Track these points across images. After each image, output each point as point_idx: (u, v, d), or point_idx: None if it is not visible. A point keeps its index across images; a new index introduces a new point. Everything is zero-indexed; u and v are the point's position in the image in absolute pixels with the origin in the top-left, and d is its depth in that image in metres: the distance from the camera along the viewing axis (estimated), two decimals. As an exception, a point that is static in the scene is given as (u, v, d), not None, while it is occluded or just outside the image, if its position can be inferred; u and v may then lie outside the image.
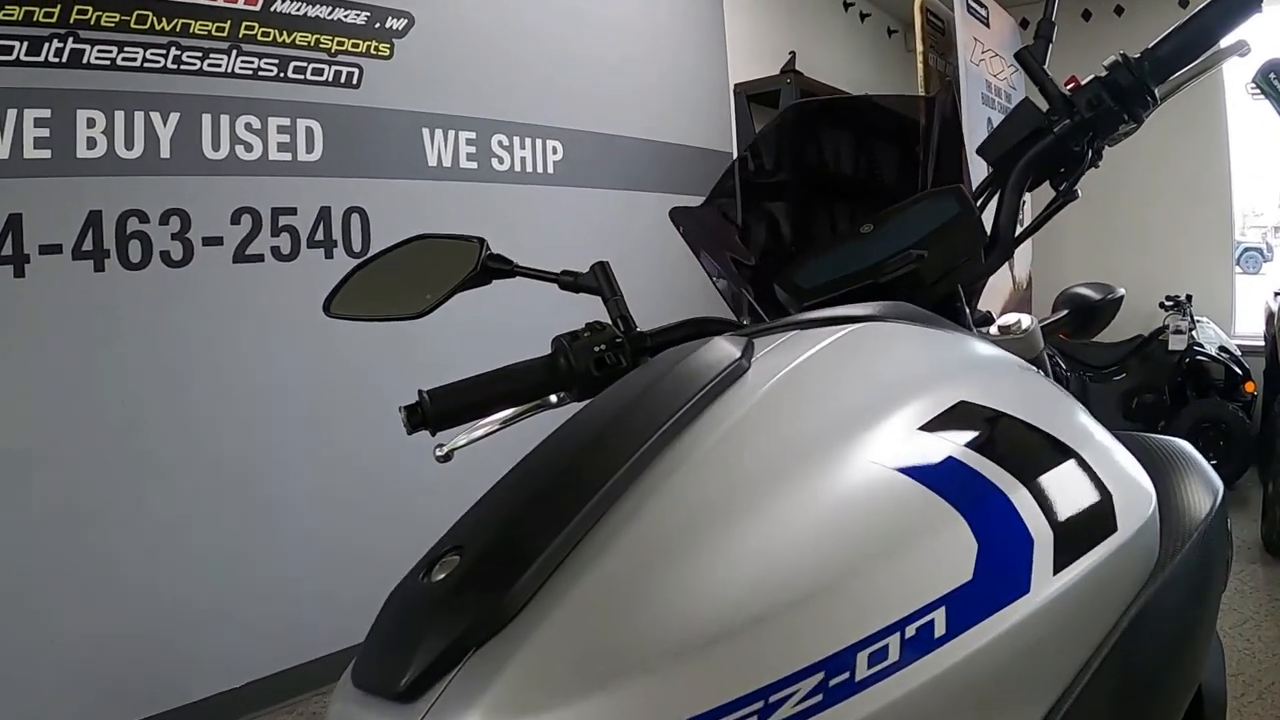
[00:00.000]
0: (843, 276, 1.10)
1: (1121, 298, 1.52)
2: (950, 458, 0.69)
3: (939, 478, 0.66)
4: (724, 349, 0.79)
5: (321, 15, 3.22)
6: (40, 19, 2.78)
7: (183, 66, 3.00)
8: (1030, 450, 0.75)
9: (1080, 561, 0.67)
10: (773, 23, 5.32)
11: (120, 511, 2.85)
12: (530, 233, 3.59)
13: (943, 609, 0.58)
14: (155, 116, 2.95)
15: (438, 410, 1.09)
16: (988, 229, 1.13)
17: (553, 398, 1.15)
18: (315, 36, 3.22)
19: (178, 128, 2.98)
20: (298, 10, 3.18)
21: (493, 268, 1.19)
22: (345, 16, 3.27)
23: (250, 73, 3.12)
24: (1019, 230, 1.22)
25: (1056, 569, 0.65)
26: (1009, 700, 0.63)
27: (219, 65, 3.06)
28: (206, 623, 3.00)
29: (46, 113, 2.78)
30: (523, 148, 3.80)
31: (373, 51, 3.35)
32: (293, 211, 3.19)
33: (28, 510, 2.68)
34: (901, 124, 1.42)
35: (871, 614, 0.57)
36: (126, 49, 2.91)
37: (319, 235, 3.25)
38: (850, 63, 6.13)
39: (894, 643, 0.56)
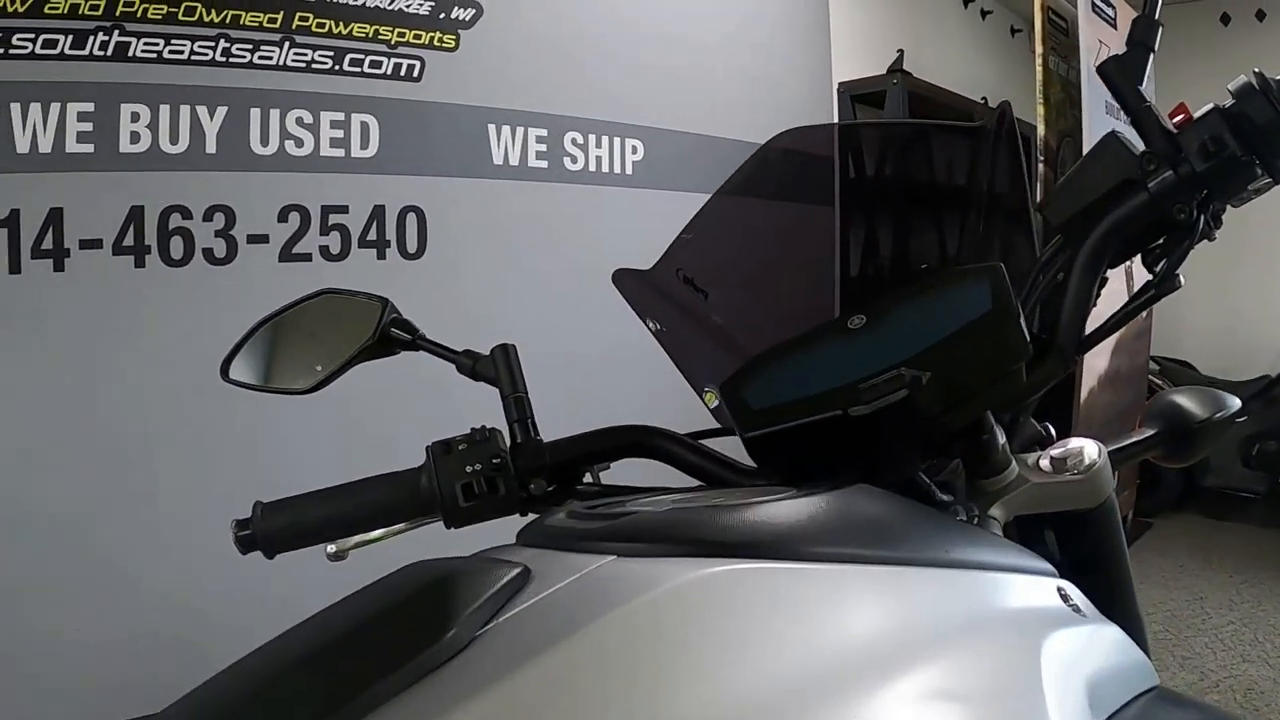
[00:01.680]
0: (806, 398, 0.86)
1: (1234, 415, 1.21)
2: None
3: None
4: (470, 589, 0.58)
5: (381, 5, 3.10)
6: (85, 12, 2.76)
7: (232, 59, 2.93)
8: None
9: None
10: (883, 18, 4.97)
11: (140, 511, 2.74)
12: (604, 238, 3.36)
13: None
14: (202, 110, 2.89)
15: (264, 531, 0.95)
16: (1023, 321, 0.83)
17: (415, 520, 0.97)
18: (374, 27, 3.10)
19: (225, 122, 2.92)
20: (356, 0, 3.04)
21: (393, 337, 1.07)
22: (407, 6, 3.13)
23: (303, 65, 3.02)
24: (1091, 327, 0.91)
25: None
26: None
27: (270, 58, 2.98)
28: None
29: (90, 107, 2.77)
30: (598, 146, 3.57)
31: (436, 43, 3.20)
32: (344, 210, 3.09)
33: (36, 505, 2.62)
34: (937, 162, 1.16)
35: None
36: (174, 42, 2.86)
37: (371, 235, 3.13)
38: (966, 64, 5.68)
39: None
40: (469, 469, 0.94)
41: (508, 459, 0.96)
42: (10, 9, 2.71)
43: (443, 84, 3.22)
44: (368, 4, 3.09)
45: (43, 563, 2.61)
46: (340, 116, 3.07)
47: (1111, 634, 0.79)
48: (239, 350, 1.09)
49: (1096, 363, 4.54)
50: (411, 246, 3.19)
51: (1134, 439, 1.12)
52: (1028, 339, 0.83)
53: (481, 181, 3.30)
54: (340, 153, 3.07)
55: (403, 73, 3.16)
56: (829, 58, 4.32)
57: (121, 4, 2.79)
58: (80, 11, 2.75)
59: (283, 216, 2.99)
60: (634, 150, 3.65)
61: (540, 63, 3.40)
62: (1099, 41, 4.41)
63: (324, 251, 3.05)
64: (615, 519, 0.71)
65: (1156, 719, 0.68)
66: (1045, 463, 0.93)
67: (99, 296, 2.73)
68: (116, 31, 2.80)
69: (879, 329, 0.88)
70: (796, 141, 1.23)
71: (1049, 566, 0.82)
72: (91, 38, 2.77)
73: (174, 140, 2.85)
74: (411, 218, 3.19)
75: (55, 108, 2.72)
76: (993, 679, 0.59)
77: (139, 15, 2.82)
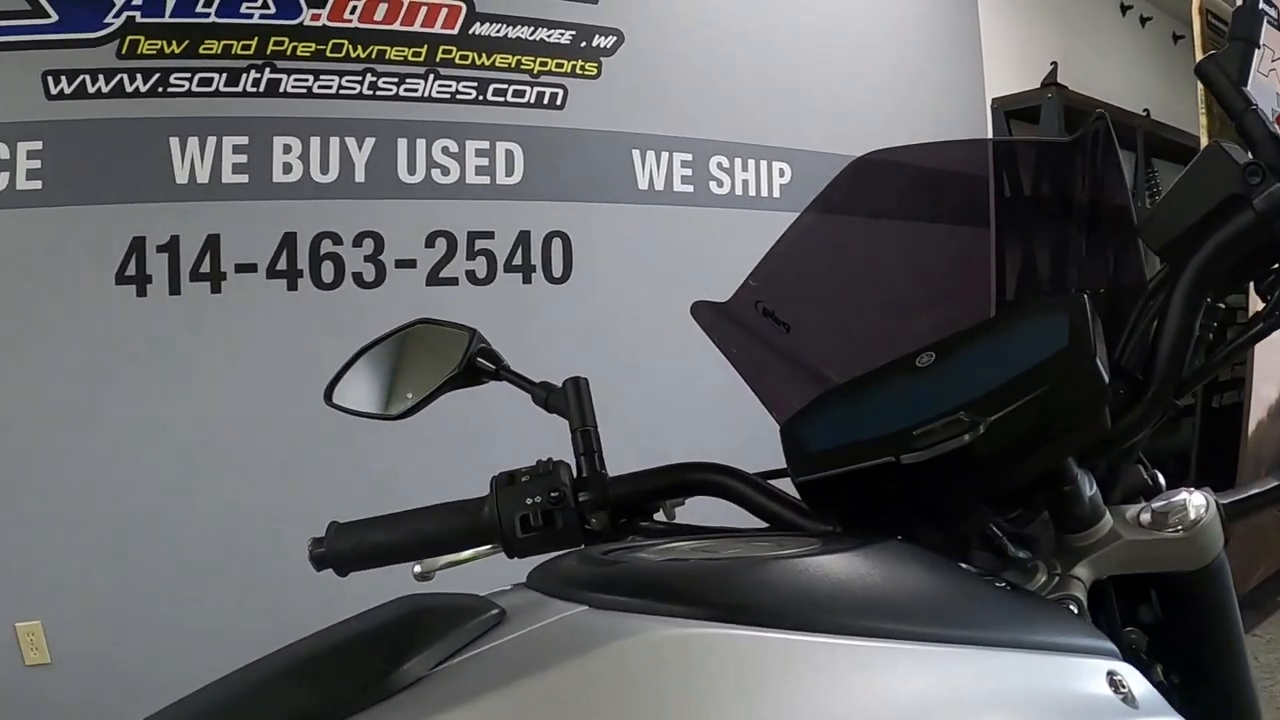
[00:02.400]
0: (859, 443, 0.79)
1: None
2: None
3: None
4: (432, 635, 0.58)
5: (523, 36, 3.12)
6: (238, 51, 2.90)
7: (378, 92, 3.00)
8: None
9: None
10: (1036, 29, 4.79)
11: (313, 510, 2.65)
12: (752, 262, 3.19)
13: None
14: (350, 141, 2.95)
15: (338, 551, 0.95)
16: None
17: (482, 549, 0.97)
18: (516, 58, 3.12)
19: (373, 152, 2.99)
20: (498, 32, 3.09)
21: (479, 366, 1.06)
22: (549, 36, 3.15)
23: (448, 96, 3.07)
24: (1194, 363, 0.80)
25: None
26: None
27: (415, 90, 3.03)
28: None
29: (244, 140, 2.88)
30: (745, 170, 3.49)
31: (578, 71, 3.20)
32: (490, 235, 3.11)
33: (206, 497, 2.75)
34: (1031, 181, 1.07)
35: None
36: (322, 77, 2.96)
37: (517, 260, 3.14)
38: (1125, 74, 5.41)
39: None
40: (529, 501, 0.93)
41: (567, 493, 0.93)
42: (168, 50, 2.83)
43: (586, 111, 3.22)
44: (509, 35, 3.11)
45: (231, 561, 2.68)
46: (485, 145, 3.09)
47: None
48: (341, 377, 1.09)
49: (1267, 391, 4.10)
50: (557, 271, 3.17)
51: (1256, 489, 0.95)
52: (1106, 380, 0.72)
53: (627, 207, 3.27)
54: (486, 180, 3.09)
55: (546, 101, 3.17)
56: (981, 73, 4.19)
57: (272, 43, 2.91)
58: (233, 51, 2.89)
59: (430, 242, 3.02)
60: (781, 173, 3.55)
61: (684, 87, 3.37)
62: (1263, 45, 4.14)
63: (470, 276, 3.05)
64: (608, 566, 0.67)
65: None
66: (1145, 516, 0.81)
67: (254, 317, 2.82)
68: (268, 69, 2.91)
69: (945, 368, 0.81)
70: (880, 165, 1.15)
71: (1106, 645, 0.70)
72: (244, 75, 2.89)
73: (324, 170, 2.93)
74: (557, 243, 3.16)
75: (212, 141, 2.85)
76: None
77: (289, 53, 2.93)
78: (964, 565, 0.74)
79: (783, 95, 3.56)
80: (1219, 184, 0.77)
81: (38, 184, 2.70)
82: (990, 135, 4.27)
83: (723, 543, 0.79)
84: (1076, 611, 0.75)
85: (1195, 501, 0.80)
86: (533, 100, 3.15)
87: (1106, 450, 0.83)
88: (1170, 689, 0.82)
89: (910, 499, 0.78)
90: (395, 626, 0.63)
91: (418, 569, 0.98)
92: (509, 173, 3.10)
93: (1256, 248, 0.78)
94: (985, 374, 0.77)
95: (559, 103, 3.18)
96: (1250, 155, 0.78)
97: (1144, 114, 5.25)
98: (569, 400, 1.02)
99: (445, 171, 3.03)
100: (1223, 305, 0.83)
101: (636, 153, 3.28)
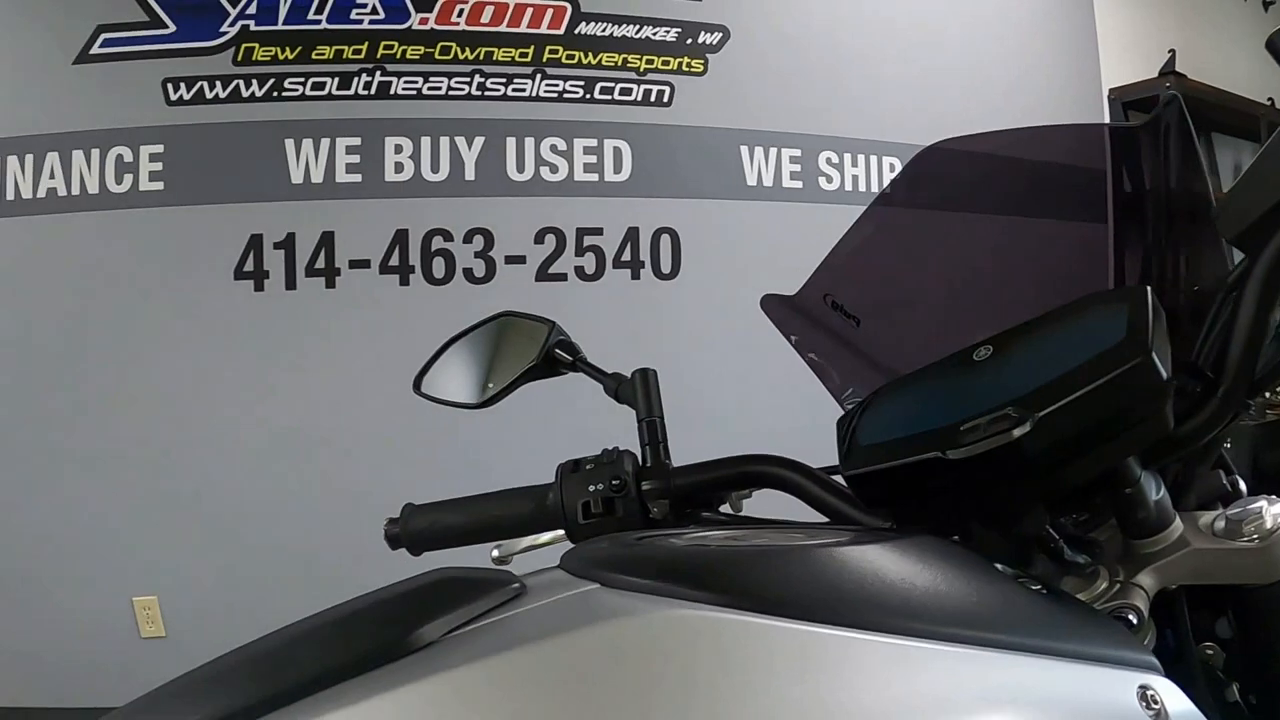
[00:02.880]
0: (908, 437, 0.77)
1: None
2: None
3: None
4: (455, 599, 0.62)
5: (629, 34, 3.11)
6: (350, 56, 2.96)
7: (487, 92, 3.02)
8: None
9: None
10: (1153, 17, 4.64)
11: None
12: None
13: None
14: (460, 141, 2.97)
15: (410, 531, 0.98)
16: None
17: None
18: (623, 56, 3.11)
19: (482, 151, 3.01)
20: (604, 31, 3.08)
21: (556, 358, 1.09)
22: (655, 34, 3.13)
23: (555, 95, 3.06)
24: (1272, 361, 0.76)
25: None
26: None
27: (523, 90, 3.04)
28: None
29: (357, 141, 2.92)
30: (855, 165, 3.42)
31: (685, 68, 3.17)
32: (598, 232, 3.08)
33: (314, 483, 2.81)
34: (1101, 169, 1.02)
35: None
36: (432, 79, 2.99)
37: (625, 256, 3.11)
38: (1248, 62, 5.18)
39: None
40: (591, 488, 0.94)
41: (629, 481, 0.94)
42: (282, 57, 2.89)
43: (693, 108, 3.18)
44: (615, 34, 3.10)
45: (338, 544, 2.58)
46: (593, 143, 3.07)
47: None
48: (429, 368, 1.13)
49: None
50: (665, 267, 3.13)
51: None
52: (1164, 376, 0.68)
53: (735, 203, 3.21)
54: (594, 177, 3.07)
55: (653, 99, 3.14)
56: (1096, 63, 4.06)
57: (382, 47, 2.95)
58: (345, 56, 2.94)
59: (539, 238, 3.01)
60: (891, 168, 3.47)
61: (792, 82, 3.32)
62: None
63: (579, 272, 3.03)
64: (629, 548, 0.69)
65: None
66: (1220, 524, 0.75)
67: (366, 312, 2.84)
68: (379, 72, 2.95)
69: (1000, 362, 0.77)
70: (947, 155, 1.13)
71: (1143, 658, 0.65)
72: (356, 79, 2.93)
73: (435, 169, 2.95)
74: (665, 239, 3.12)
75: (325, 142, 2.90)
76: None
77: (399, 57, 2.96)
78: (999, 566, 0.70)
79: (892, 89, 3.49)
80: None
81: (159, 185, 2.80)
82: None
83: (756, 532, 0.80)
84: (1135, 621, 0.71)
85: (1274, 510, 0.73)
86: (639, 98, 3.13)
87: (1174, 452, 0.77)
88: (1247, 710, 0.78)
89: (961, 496, 0.75)
90: (420, 593, 0.65)
91: (495, 553, 1.04)
92: (617, 170, 3.08)
93: None
94: (1038, 369, 0.73)
95: (666, 100, 3.15)
96: None
97: (1269, 103, 5.04)
98: (637, 391, 1.03)
99: (554, 169, 3.03)
100: None
101: (745, 149, 3.23)
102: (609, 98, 3.10)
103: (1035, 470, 0.72)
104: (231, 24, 2.87)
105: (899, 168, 3.53)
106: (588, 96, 3.08)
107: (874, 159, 3.46)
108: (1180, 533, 0.76)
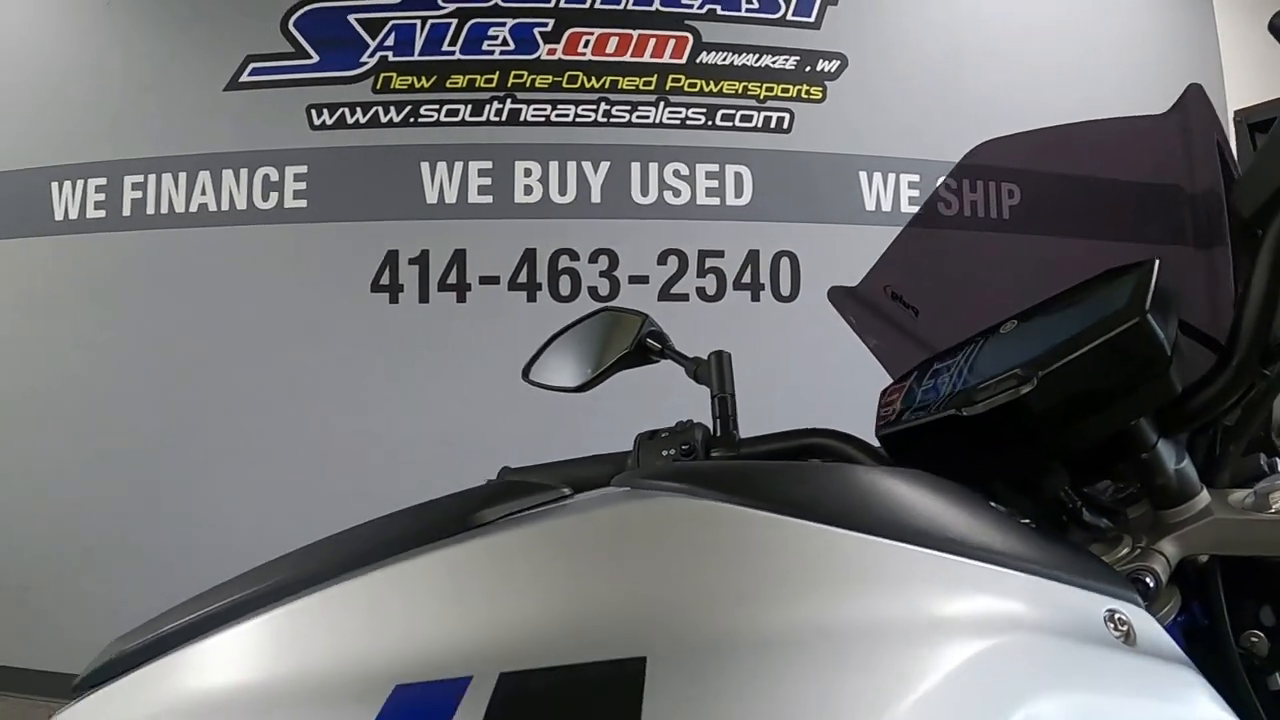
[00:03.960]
0: (934, 401, 0.84)
1: None
2: None
3: None
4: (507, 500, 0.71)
5: (749, 63, 3.15)
6: (481, 85, 3.06)
7: (612, 119, 3.08)
8: None
9: None
10: None
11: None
12: (982, 286, 3.10)
13: None
14: (586, 165, 3.02)
15: None
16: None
17: None
18: (743, 84, 3.15)
19: (608, 175, 3.05)
20: (724, 60, 3.14)
21: (647, 346, 1.19)
22: (774, 63, 3.17)
23: (678, 122, 3.11)
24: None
25: None
26: None
27: (647, 116, 3.09)
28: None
29: (488, 164, 3.01)
30: (973, 191, 3.36)
31: (804, 95, 3.20)
32: (720, 254, 3.10)
33: (446, 481, 2.85)
34: (1124, 160, 1.10)
35: None
36: (559, 106, 3.05)
37: (745, 278, 3.11)
38: None
39: None
40: (664, 452, 1.04)
41: (697, 447, 1.03)
42: (418, 85, 3.00)
43: (812, 134, 3.20)
44: (735, 63, 3.15)
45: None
46: (715, 168, 3.10)
47: (1180, 678, 0.65)
48: (537, 357, 1.26)
49: None
50: (785, 289, 3.12)
51: None
52: (1162, 338, 0.71)
53: (854, 227, 3.20)
54: (716, 201, 3.09)
55: (773, 125, 3.17)
56: (1221, 84, 3.99)
57: (512, 76, 3.03)
58: (477, 85, 3.03)
59: (662, 260, 3.03)
60: (1010, 194, 3.43)
61: (909, 108, 3.32)
62: None
63: (700, 293, 3.04)
64: (669, 464, 0.78)
65: None
66: (1249, 500, 0.76)
67: (495, 325, 2.88)
68: (509, 100, 3.03)
69: (1020, 332, 0.83)
70: (995, 155, 1.25)
71: (1115, 587, 0.68)
72: (488, 106, 3.02)
73: (562, 192, 3.01)
74: (785, 262, 3.12)
75: (458, 165, 2.98)
76: (915, 672, 0.54)
77: (528, 85, 3.04)
78: (992, 504, 0.72)
79: (1009, 114, 3.46)
80: None
81: (303, 203, 2.91)
82: (1234, 150, 4.05)
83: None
84: (1151, 583, 0.72)
85: None
86: (760, 124, 3.16)
87: (1190, 421, 0.79)
88: None
89: (981, 456, 0.79)
90: (485, 491, 0.74)
91: None
92: (738, 194, 3.10)
93: None
94: (1050, 335, 0.76)
95: (785, 126, 3.18)
96: None
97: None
98: (712, 371, 1.12)
99: (676, 193, 3.06)
100: None
101: (863, 174, 3.24)
102: (730, 124, 3.13)
103: (1045, 429, 0.75)
104: (371, 55, 2.99)
105: (1017, 194, 3.51)
106: (709, 123, 3.12)
107: (992, 185, 3.43)
108: (1206, 504, 0.77)
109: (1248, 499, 0.76)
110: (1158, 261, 0.76)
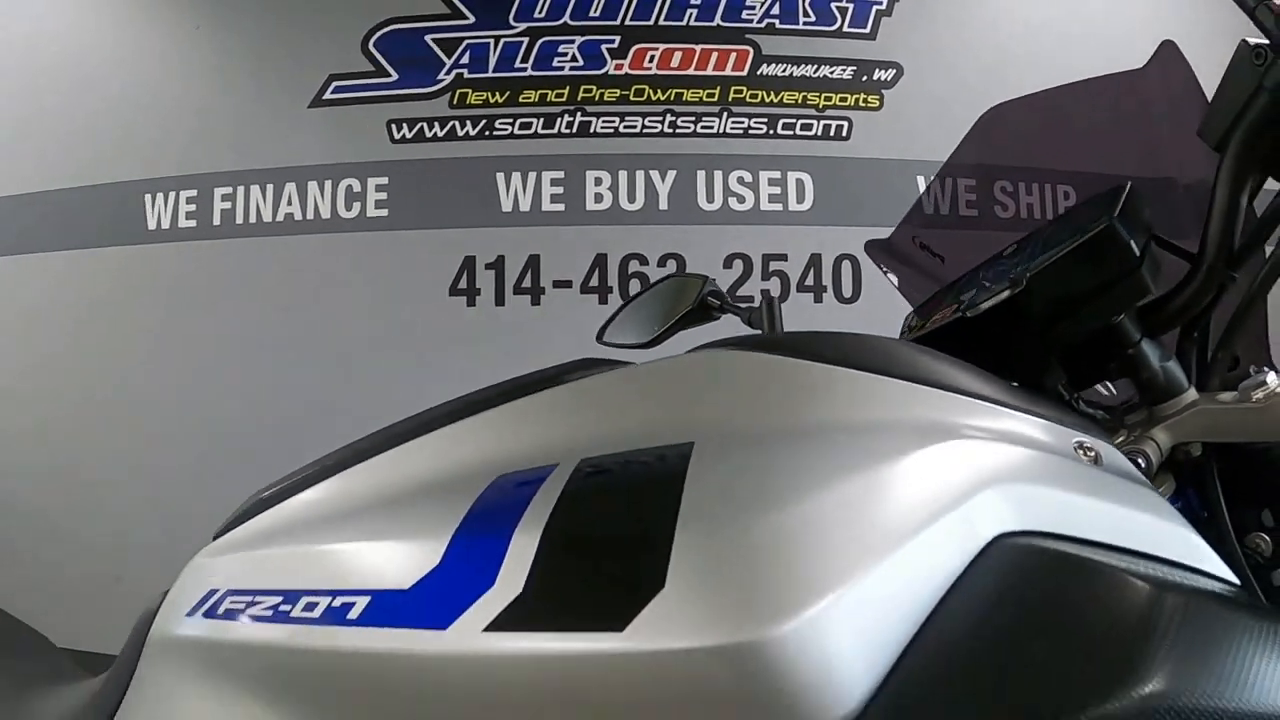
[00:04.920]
0: (941, 311, 0.95)
1: None
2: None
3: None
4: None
5: (808, 74, 3.22)
6: (553, 99, 3.13)
7: (678, 130, 3.15)
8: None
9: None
10: None
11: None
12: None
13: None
14: (654, 174, 3.09)
15: None
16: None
17: None
18: (802, 94, 3.22)
19: (674, 183, 3.11)
20: (784, 71, 3.20)
21: (708, 304, 1.30)
22: (832, 73, 3.24)
23: (741, 131, 3.17)
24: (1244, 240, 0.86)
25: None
26: None
27: (711, 127, 3.16)
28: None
29: (560, 174, 3.08)
30: (1029, 194, 3.40)
31: (861, 104, 3.26)
32: (783, 258, 3.14)
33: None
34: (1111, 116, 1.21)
35: None
36: (627, 118, 3.13)
37: (809, 280, 3.15)
38: None
39: None
40: None
41: None
42: (492, 100, 3.09)
43: (870, 140, 3.25)
44: (795, 74, 3.22)
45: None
46: (777, 175, 3.16)
47: (1144, 494, 0.72)
48: (610, 321, 1.36)
49: None
50: (847, 291, 3.16)
51: None
52: (1128, 239, 0.81)
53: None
54: (778, 207, 3.14)
55: (832, 133, 3.23)
56: None
57: (582, 91, 3.12)
58: (548, 99, 3.11)
59: (728, 263, 3.09)
60: (1066, 195, 3.47)
61: (965, 114, 3.34)
62: None
63: (764, 295, 3.07)
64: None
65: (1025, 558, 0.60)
66: (1232, 395, 0.85)
67: (568, 327, 2.89)
68: (579, 113, 3.11)
69: (1019, 251, 0.91)
70: (1009, 116, 1.34)
71: (1085, 424, 0.77)
72: (559, 119, 3.10)
73: (631, 199, 3.08)
74: (846, 265, 3.16)
75: (532, 176, 3.07)
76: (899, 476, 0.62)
77: (597, 99, 3.12)
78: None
79: (1065, 119, 3.52)
80: (1244, 75, 0.84)
81: (384, 211, 3.00)
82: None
83: None
84: (1144, 464, 0.80)
85: (1276, 377, 0.82)
86: (819, 133, 3.22)
87: (1171, 323, 0.88)
88: None
89: (986, 355, 0.83)
90: (561, 366, 0.81)
91: None
92: (800, 200, 3.16)
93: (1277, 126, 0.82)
94: (1040, 249, 0.86)
95: (844, 134, 3.24)
96: (1268, 42, 0.83)
97: None
98: (764, 316, 1.25)
99: (741, 199, 3.12)
100: None
101: (920, 178, 3.29)
102: (791, 133, 3.20)
103: (1038, 325, 0.84)
104: (447, 72, 3.09)
105: (1073, 195, 3.56)
106: (771, 132, 3.18)
107: (1048, 187, 3.47)
108: (1194, 399, 0.86)
109: (1229, 394, 0.85)
110: (1130, 183, 0.86)
